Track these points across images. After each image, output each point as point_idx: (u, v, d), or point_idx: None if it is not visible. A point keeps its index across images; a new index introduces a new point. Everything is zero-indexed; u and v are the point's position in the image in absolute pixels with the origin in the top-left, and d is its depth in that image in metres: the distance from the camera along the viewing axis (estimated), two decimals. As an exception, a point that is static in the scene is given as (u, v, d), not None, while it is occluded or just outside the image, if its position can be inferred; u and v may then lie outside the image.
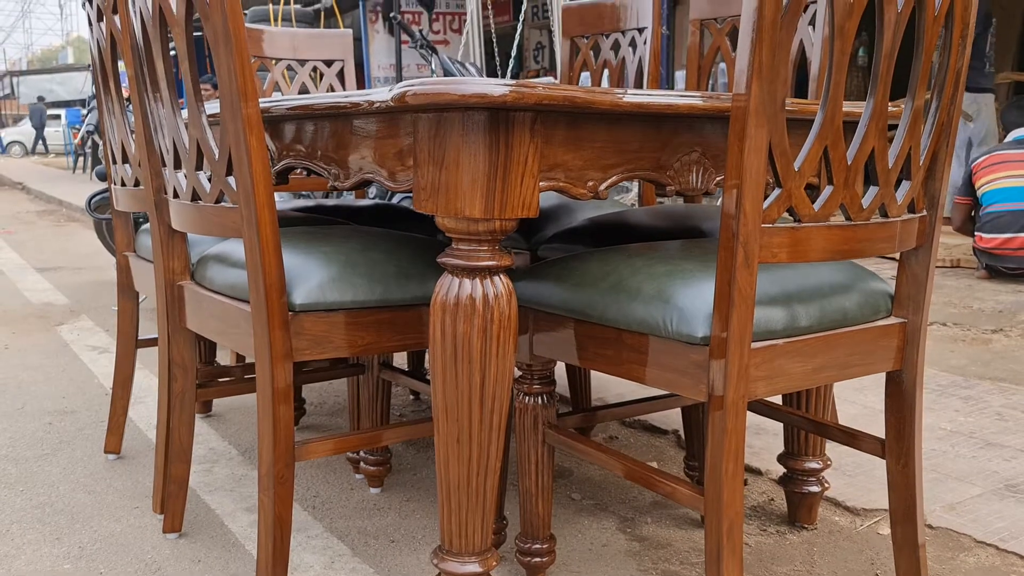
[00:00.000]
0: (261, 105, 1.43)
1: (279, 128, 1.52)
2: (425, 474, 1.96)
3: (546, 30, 10.81)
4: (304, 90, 2.71)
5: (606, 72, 2.52)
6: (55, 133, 22.93)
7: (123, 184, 1.80)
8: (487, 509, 1.25)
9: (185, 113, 1.38)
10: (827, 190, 1.13)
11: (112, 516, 1.74)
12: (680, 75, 6.55)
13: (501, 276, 1.19)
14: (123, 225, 1.96)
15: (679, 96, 1.25)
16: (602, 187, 1.29)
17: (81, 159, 4.02)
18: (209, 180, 1.33)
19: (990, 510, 1.73)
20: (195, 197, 1.38)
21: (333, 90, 2.85)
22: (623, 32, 2.45)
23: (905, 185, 1.23)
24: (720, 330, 1.10)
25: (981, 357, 2.89)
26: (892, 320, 1.31)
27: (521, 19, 8.26)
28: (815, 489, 1.68)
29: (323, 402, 2.49)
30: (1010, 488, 1.84)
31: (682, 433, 2.06)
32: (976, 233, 4.06)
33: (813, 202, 1.13)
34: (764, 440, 2.07)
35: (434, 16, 9.79)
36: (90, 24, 1.77)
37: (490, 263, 1.18)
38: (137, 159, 1.69)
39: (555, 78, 4.86)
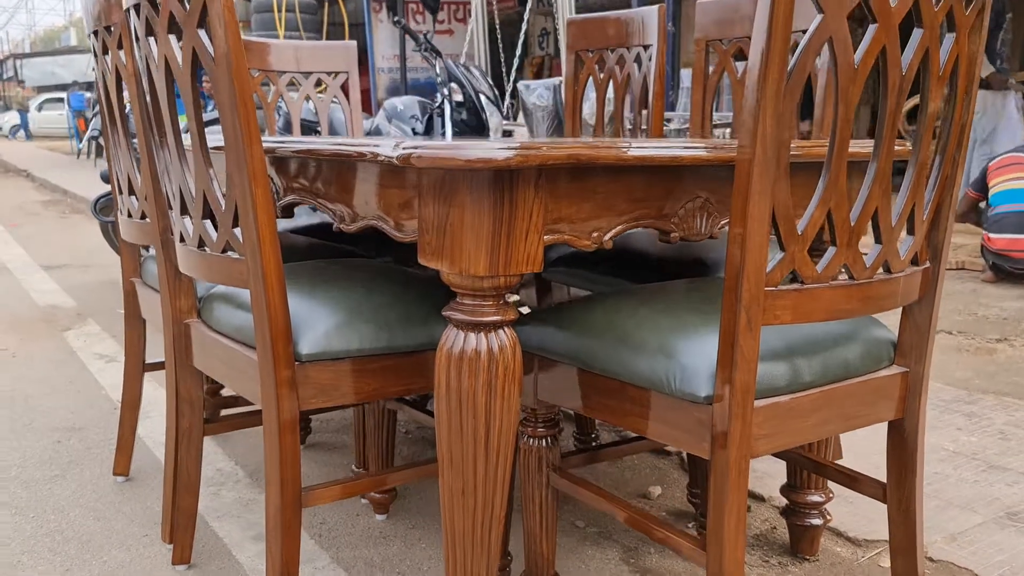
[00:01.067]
0: (266, 144, 1.44)
1: (285, 164, 1.53)
2: (430, 496, 1.98)
3: (550, 16, 10.75)
4: (307, 102, 2.71)
5: (611, 86, 2.51)
6: (59, 117, 22.93)
7: (129, 215, 1.80)
8: (491, 557, 1.27)
9: (190, 159, 1.39)
10: (830, 251, 1.13)
11: (122, 545, 1.76)
12: (686, 73, 6.52)
13: (506, 329, 1.20)
14: (129, 253, 1.96)
15: (683, 147, 1.25)
16: (606, 237, 1.29)
17: (85, 145, 4.01)
18: (215, 229, 1.34)
19: (991, 541, 1.74)
20: (201, 243, 1.39)
21: (337, 101, 2.86)
22: (628, 48, 2.44)
23: (908, 240, 1.23)
24: (723, 390, 1.11)
25: (985, 369, 2.90)
26: (894, 370, 1.32)
27: (528, 7, 8.22)
28: (817, 522, 1.70)
29: (329, 419, 2.51)
30: (1011, 516, 1.85)
31: (685, 455, 2.08)
32: (984, 233, 4.06)
33: (816, 262, 1.13)
34: (767, 464, 2.08)
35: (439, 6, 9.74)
36: (95, 56, 1.77)
37: (495, 318, 1.19)
38: (143, 192, 1.70)
39: (560, 75, 4.85)
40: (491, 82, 3.84)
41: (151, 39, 1.34)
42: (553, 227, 1.23)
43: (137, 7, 1.34)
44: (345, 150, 1.29)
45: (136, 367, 2.03)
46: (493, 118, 3.75)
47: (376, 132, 3.98)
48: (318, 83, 2.76)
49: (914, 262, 1.27)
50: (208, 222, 1.35)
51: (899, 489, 1.36)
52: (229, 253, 1.32)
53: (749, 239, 1.05)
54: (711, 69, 2.20)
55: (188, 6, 1.22)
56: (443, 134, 3.69)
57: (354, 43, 2.77)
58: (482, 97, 3.69)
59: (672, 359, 1.18)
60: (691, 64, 2.33)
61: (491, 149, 1.09)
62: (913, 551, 1.38)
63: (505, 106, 5.61)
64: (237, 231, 1.28)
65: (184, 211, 1.41)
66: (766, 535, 1.81)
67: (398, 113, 3.89)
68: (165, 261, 1.57)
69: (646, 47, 2.38)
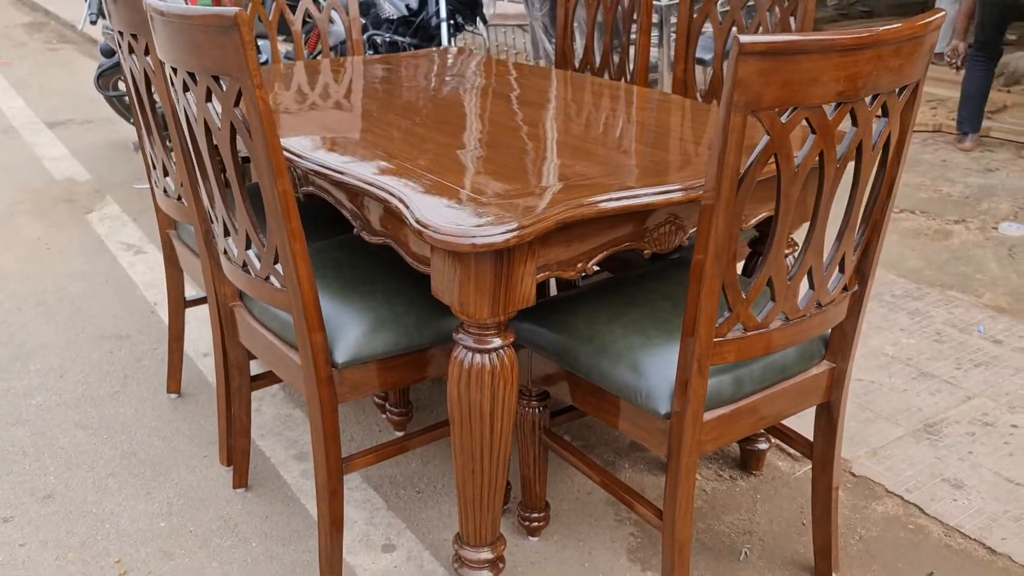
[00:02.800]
0: (291, 152, 1.64)
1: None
2: (441, 413, 2.32)
3: None
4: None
5: (601, 8, 2.60)
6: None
7: (165, 193, 2.01)
8: (496, 514, 1.62)
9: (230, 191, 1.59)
10: (769, 305, 1.39)
11: (187, 466, 2.13)
12: None
13: (505, 349, 1.48)
14: (163, 210, 2.18)
15: (659, 193, 1.47)
16: (589, 264, 1.54)
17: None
18: (258, 257, 1.57)
19: (905, 456, 2.11)
20: (244, 264, 1.62)
21: (311, 37, 2.92)
22: (618, -25, 2.52)
23: (839, 277, 1.48)
24: (679, 409, 1.41)
25: (938, 257, 3.19)
26: (823, 367, 1.61)
27: None
28: (763, 446, 2.05)
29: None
30: (928, 429, 2.21)
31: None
32: None
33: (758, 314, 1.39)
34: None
35: None
36: (120, 50, 1.90)
37: (497, 342, 1.46)
38: (179, 181, 1.89)
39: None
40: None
41: (189, 96, 1.51)
42: (543, 266, 1.47)
43: (175, 68, 1.50)
44: (368, 189, 1.51)
45: (178, 303, 2.30)
46: (486, -6, 3.78)
47: (368, 4, 4.00)
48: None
49: (845, 288, 1.52)
50: (251, 252, 1.58)
51: (823, 453, 1.70)
52: (271, 281, 1.56)
53: (702, 310, 1.31)
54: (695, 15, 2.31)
55: (225, 88, 1.39)
56: (437, 13, 3.74)
57: (349, -47, 2.80)
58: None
59: (640, 377, 1.47)
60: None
61: (495, 235, 1.31)
62: (827, 517, 1.73)
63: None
64: (278, 267, 1.52)
65: (227, 233, 1.64)
66: (720, 453, 2.18)
67: (391, -15, 3.90)
68: (209, 257, 1.81)
69: (635, -20, 2.46)
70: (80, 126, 5.18)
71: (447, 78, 2.31)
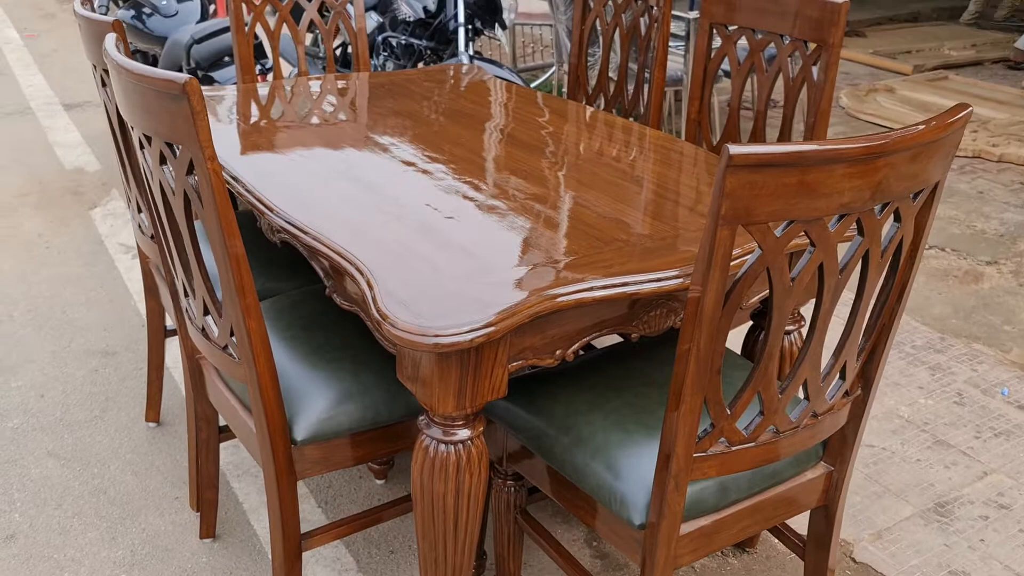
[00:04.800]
0: (260, 202, 1.54)
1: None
2: (425, 459, 2.22)
3: None
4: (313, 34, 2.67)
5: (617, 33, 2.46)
6: None
7: (142, 231, 1.91)
8: (461, 603, 1.52)
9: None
10: (756, 419, 1.27)
11: (156, 508, 2.05)
12: None
13: (474, 440, 1.37)
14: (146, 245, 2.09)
15: (650, 280, 1.35)
16: (569, 351, 1.42)
17: None
18: (216, 323, 1.48)
19: (912, 541, 1.98)
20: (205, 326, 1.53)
21: (340, 31, 2.79)
22: (635, 0, 2.38)
23: (839, 383, 1.35)
24: (654, 521, 1.29)
25: (965, 303, 3.02)
26: (820, 470, 1.48)
27: None
28: (757, 525, 1.94)
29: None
30: (939, 509, 2.08)
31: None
32: None
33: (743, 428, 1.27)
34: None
35: None
36: (96, 82, 1.80)
37: (464, 433, 1.36)
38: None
39: None
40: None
41: (147, 153, 1.41)
42: (518, 356, 1.36)
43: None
44: (340, 263, 1.40)
45: (158, 333, 2.22)
46: (507, -1, 3.64)
47: (385, 4, 3.87)
48: (322, 6, 2.71)
49: (845, 394, 1.39)
50: (209, 318, 1.49)
51: (816, 552, 1.58)
52: (229, 351, 1.46)
53: (680, 430, 1.19)
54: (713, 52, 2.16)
55: (178, 154, 1.28)
56: (455, 17, 3.60)
57: (358, -37, 2.68)
58: (496, -23, 3.56)
59: (616, 479, 1.36)
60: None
61: (459, 334, 1.20)
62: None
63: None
64: (235, 339, 1.42)
65: (186, 294, 1.54)
66: (715, 520, 2.06)
67: (410, -14, 3.76)
68: (176, 309, 1.72)
69: (652, 6, 2.32)
70: (97, 108, 5.12)
71: (443, 111, 2.19)
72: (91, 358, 2.65)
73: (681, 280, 1.38)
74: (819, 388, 1.29)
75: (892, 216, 1.19)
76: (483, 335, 1.21)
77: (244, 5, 2.58)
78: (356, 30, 2.69)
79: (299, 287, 1.91)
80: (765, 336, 1.18)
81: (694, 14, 3.76)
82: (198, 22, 3.73)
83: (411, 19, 3.73)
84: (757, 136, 2.11)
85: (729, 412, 1.23)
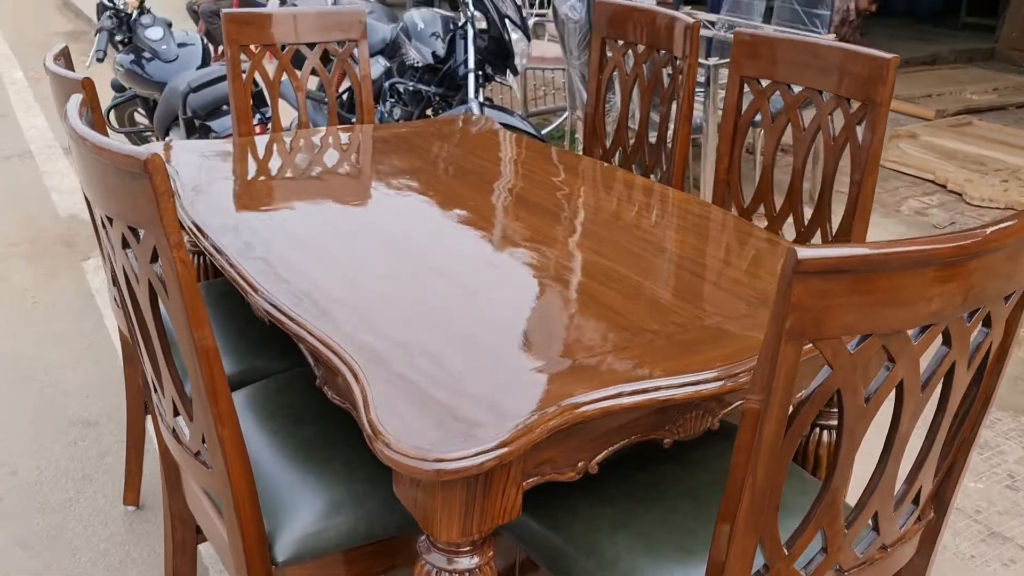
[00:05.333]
0: (245, 281, 1.37)
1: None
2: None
3: None
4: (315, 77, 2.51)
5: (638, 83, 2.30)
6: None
7: (115, 302, 1.74)
8: None
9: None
10: (818, 556, 1.07)
11: (130, 608, 1.85)
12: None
13: (481, 568, 1.17)
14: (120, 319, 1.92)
15: (686, 384, 1.17)
16: (592, 463, 1.23)
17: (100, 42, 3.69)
18: (187, 427, 1.29)
19: (972, 655, 1.77)
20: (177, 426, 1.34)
21: (342, 82, 2.64)
22: (658, 51, 2.21)
23: (911, 509, 1.15)
24: (694, 672, 1.09)
25: (1011, 371, 2.81)
26: (883, 601, 1.28)
27: None
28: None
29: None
30: (999, 616, 1.86)
31: None
32: None
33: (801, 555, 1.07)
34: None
35: None
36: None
37: (470, 562, 1.16)
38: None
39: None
40: (518, 3, 3.54)
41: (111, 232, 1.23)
42: (534, 471, 1.17)
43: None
44: (331, 359, 1.22)
45: (138, 407, 2.04)
46: (519, 44, 3.49)
47: (393, 50, 3.73)
48: (325, 55, 2.56)
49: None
50: (180, 419, 1.30)
51: None
52: (201, 458, 1.28)
53: (730, 571, 1.00)
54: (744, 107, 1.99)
55: (141, 239, 1.11)
56: (465, 62, 3.46)
57: (363, 9, 2.53)
58: (507, 22, 3.42)
59: (648, 618, 1.16)
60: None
61: (467, 455, 1.01)
62: None
63: (533, 18, 5.19)
64: (207, 446, 1.24)
65: (155, 389, 1.36)
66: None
67: (418, 32, 3.63)
68: (148, 412, 1.54)
69: (676, 58, 2.16)
70: (98, 153, 4.99)
71: (450, 169, 2.02)
72: (71, 428, 2.46)
73: (722, 383, 1.19)
74: (891, 517, 1.10)
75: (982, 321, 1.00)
76: (495, 458, 1.02)
77: (242, 52, 2.43)
78: (360, 78, 2.54)
79: (292, 367, 1.73)
80: (831, 468, 0.99)
81: (714, 60, 3.61)
82: (199, 67, 3.59)
83: (419, 64, 3.59)
84: (794, 199, 1.93)
85: (787, 552, 1.03)
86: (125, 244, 1.16)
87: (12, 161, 4.82)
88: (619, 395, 1.14)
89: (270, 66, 2.47)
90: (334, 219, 1.69)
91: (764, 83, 1.94)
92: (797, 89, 1.88)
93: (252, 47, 2.47)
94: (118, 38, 3.69)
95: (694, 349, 1.25)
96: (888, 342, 0.90)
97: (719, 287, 1.44)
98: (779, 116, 1.91)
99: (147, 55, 3.60)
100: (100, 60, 3.48)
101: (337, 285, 1.41)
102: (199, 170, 1.97)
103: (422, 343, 1.24)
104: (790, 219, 1.93)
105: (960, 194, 4.21)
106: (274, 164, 2.04)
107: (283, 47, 2.50)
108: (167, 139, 3.53)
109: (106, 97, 4.32)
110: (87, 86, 1.42)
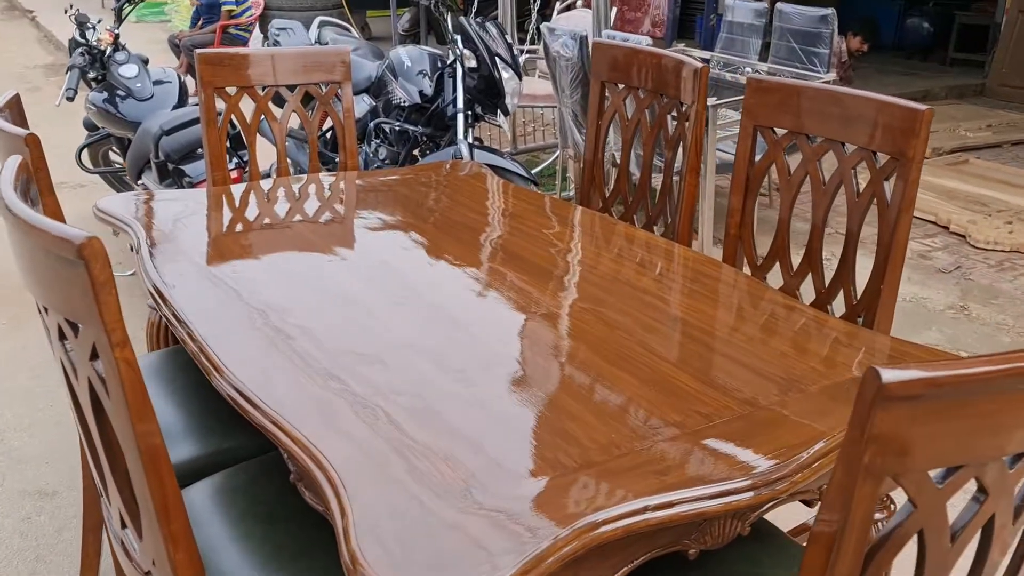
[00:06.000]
0: (209, 361, 1.20)
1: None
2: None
3: None
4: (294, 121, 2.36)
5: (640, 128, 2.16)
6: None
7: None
8: None
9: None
10: None
11: None
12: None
13: None
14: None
15: (716, 493, 1.00)
16: (611, 582, 1.06)
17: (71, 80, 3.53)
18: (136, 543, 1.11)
19: None
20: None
21: (326, 119, 2.50)
22: (662, 96, 2.07)
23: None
24: None
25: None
26: None
27: None
28: None
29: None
30: None
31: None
32: None
33: None
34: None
35: None
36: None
37: None
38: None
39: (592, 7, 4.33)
40: (509, 40, 3.41)
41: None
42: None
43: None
44: (306, 464, 1.05)
45: (94, 490, 1.85)
46: (509, 83, 3.36)
47: (379, 88, 3.59)
48: (307, 97, 2.41)
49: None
50: (129, 531, 1.12)
51: None
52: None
53: None
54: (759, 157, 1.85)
55: (79, 333, 0.94)
56: (453, 102, 3.32)
57: (347, 49, 2.38)
58: (498, 61, 3.29)
59: None
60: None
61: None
62: None
63: (524, 54, 5.07)
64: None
65: (101, 492, 1.18)
66: None
67: (404, 70, 3.48)
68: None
69: (682, 104, 2.02)
70: (72, 191, 4.81)
71: (438, 224, 1.86)
72: (26, 500, 2.26)
73: (759, 492, 1.03)
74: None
75: (1078, 436, 0.84)
76: (504, 598, 0.85)
77: (219, 95, 2.27)
78: (344, 121, 2.38)
79: (266, 449, 1.55)
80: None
81: (712, 101, 3.48)
82: (175, 106, 3.43)
83: (406, 104, 3.44)
84: (813, 259, 1.77)
85: None
86: (62, 335, 0.99)
87: (-20, 200, 4.62)
88: (644, 510, 0.98)
89: (249, 106, 2.32)
90: (308, 287, 1.52)
91: (780, 133, 1.80)
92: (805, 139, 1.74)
93: (228, 89, 2.32)
94: (91, 75, 3.53)
95: (725, 448, 1.09)
96: (982, 473, 0.74)
97: (743, 365, 1.29)
98: (798, 169, 1.76)
99: (121, 93, 3.43)
100: (70, 99, 3.31)
101: (311, 369, 1.24)
102: (164, 224, 1.80)
103: (413, 445, 1.07)
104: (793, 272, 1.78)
105: (964, 236, 4.09)
106: (246, 219, 1.87)
107: (263, 88, 2.34)
108: (139, 182, 3.36)
109: (79, 136, 4.16)
110: (31, 143, 1.26)
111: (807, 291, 1.75)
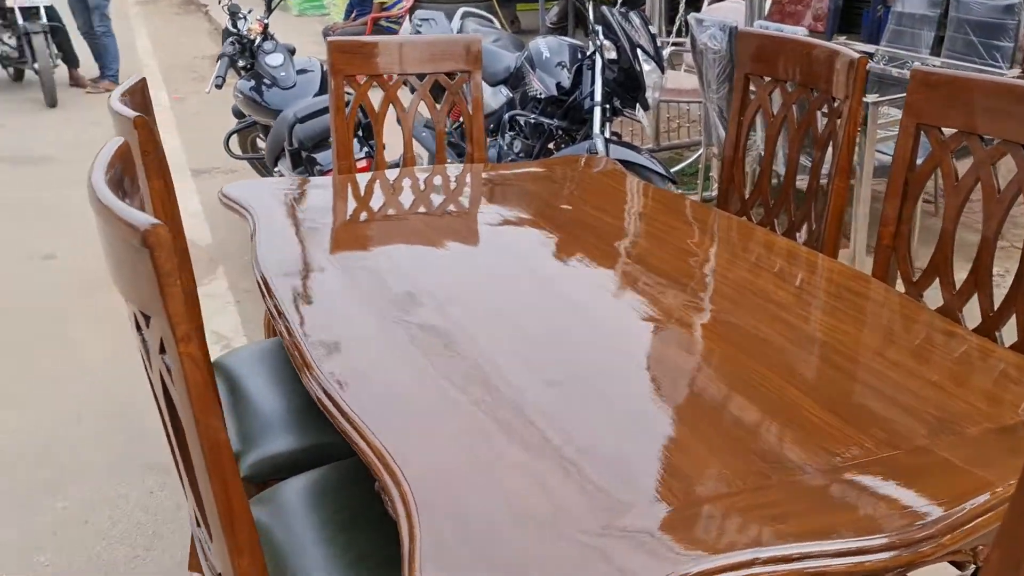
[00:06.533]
0: (309, 365, 1.14)
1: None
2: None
3: None
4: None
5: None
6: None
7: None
8: None
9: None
10: None
11: None
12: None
13: None
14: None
15: (844, 551, 0.86)
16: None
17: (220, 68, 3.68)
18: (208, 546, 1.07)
19: None
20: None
21: (454, 108, 2.45)
22: (812, 90, 1.89)
23: None
24: None
25: None
26: None
27: None
28: None
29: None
30: None
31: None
32: None
33: None
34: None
35: None
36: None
37: None
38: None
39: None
40: (653, 31, 3.26)
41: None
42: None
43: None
44: (381, 475, 0.97)
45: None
46: (651, 76, 3.21)
47: (517, 79, 3.51)
48: (436, 86, 2.35)
49: None
50: (203, 530, 1.08)
51: None
52: (225, 582, 1.05)
53: None
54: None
55: (150, 324, 0.89)
56: (591, 95, 3.20)
57: (477, 38, 2.32)
58: (639, 53, 3.14)
59: None
60: None
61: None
62: None
63: (669, 46, 4.87)
64: (230, 570, 1.01)
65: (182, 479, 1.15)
66: None
67: (543, 61, 3.40)
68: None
69: (834, 99, 1.83)
70: (224, 176, 5.01)
71: (564, 225, 1.75)
72: (149, 475, 2.33)
73: (896, 553, 0.87)
74: None
75: None
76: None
77: (347, 83, 2.26)
78: (472, 111, 2.32)
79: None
80: None
81: (872, 97, 3.21)
82: (316, 94, 3.48)
83: (542, 96, 3.35)
84: (980, 276, 1.55)
85: None
86: (139, 325, 0.95)
87: (142, 182, 4.89)
88: (753, 562, 0.84)
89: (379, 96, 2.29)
90: (418, 285, 1.45)
91: (947, 132, 1.59)
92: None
93: (359, 77, 2.30)
94: (240, 64, 3.63)
95: (859, 496, 0.93)
96: None
97: (888, 399, 1.12)
98: (967, 174, 1.55)
99: (267, 82, 3.52)
100: (219, 87, 3.42)
101: (407, 368, 1.16)
102: (281, 212, 1.79)
103: (502, 461, 0.98)
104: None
105: None
106: (363, 210, 1.83)
107: (395, 77, 2.31)
108: (276, 169, 3.43)
109: (228, 123, 4.31)
110: (139, 125, 1.24)
111: (971, 313, 1.53)
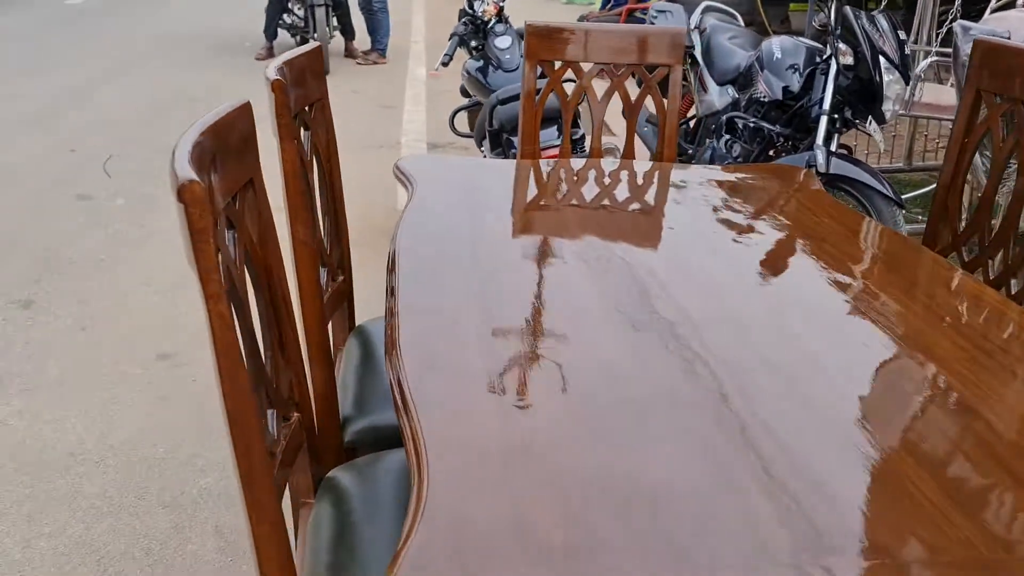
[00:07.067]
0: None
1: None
2: None
3: None
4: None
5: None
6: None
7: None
8: None
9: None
10: None
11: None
12: None
13: None
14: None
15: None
16: None
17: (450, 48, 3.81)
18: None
19: None
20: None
21: (690, 107, 2.33)
22: (1054, 114, 1.59)
23: None
24: None
25: None
26: None
27: None
28: None
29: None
30: None
31: None
32: None
33: None
34: None
35: None
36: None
37: None
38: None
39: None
40: (903, 37, 2.94)
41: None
42: None
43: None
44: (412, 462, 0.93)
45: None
46: (892, 87, 2.89)
47: (746, 80, 3.31)
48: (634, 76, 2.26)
49: None
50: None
51: None
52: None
53: None
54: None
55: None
56: (820, 102, 2.95)
57: (681, 30, 2.19)
58: (882, 60, 2.85)
59: None
60: None
61: None
62: None
63: (932, 55, 4.38)
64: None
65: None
66: None
67: (773, 62, 3.17)
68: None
69: None
70: (456, 152, 5.19)
71: (743, 251, 1.60)
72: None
73: None
74: None
75: None
76: None
77: (540, 67, 2.23)
78: (668, 107, 2.20)
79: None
80: None
81: None
82: (537, 79, 3.48)
83: (766, 99, 3.14)
84: None
85: None
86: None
87: (381, 151, 5.18)
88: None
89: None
90: (558, 282, 1.39)
91: None
92: None
93: (555, 63, 2.26)
94: (472, 44, 3.72)
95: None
96: None
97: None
98: None
99: (492, 63, 3.58)
100: (445, 64, 3.52)
101: (531, 371, 1.11)
102: (441, 189, 1.79)
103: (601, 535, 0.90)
104: None
105: None
106: (526, 195, 1.79)
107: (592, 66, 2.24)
108: (481, 149, 3.48)
109: (456, 100, 4.44)
110: (276, 88, 1.27)
111: None
